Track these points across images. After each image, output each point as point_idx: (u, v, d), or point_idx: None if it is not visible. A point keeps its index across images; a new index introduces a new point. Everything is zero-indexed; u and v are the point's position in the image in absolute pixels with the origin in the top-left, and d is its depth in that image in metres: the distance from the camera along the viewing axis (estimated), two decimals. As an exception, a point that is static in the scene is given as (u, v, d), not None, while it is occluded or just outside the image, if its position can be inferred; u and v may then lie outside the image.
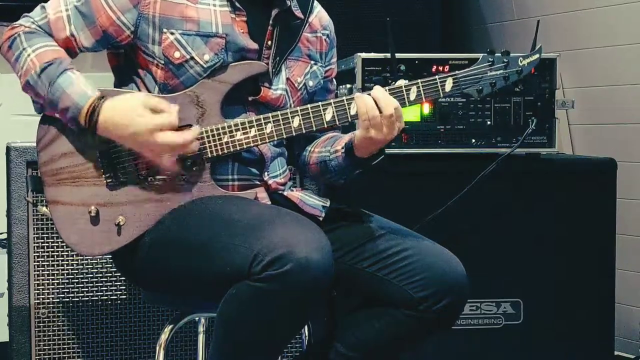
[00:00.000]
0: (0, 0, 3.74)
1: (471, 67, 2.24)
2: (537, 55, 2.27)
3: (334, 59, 2.50)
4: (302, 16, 2.37)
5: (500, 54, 2.24)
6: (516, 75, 2.25)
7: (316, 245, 1.99)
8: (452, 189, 2.92)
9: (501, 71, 2.24)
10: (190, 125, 2.23)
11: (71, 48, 2.27)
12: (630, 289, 3.60)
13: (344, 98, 2.22)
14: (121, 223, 2.22)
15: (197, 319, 2.54)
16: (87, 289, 2.84)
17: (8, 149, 2.79)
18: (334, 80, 2.52)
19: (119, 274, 2.76)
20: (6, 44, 2.26)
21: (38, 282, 2.80)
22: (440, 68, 3.02)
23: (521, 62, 2.25)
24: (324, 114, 2.22)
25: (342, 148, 2.30)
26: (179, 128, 2.22)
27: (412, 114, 3.02)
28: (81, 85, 2.19)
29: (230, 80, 2.25)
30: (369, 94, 2.17)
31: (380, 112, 2.15)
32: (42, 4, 2.28)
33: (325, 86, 2.47)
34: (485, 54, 2.24)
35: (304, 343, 2.48)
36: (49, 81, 2.19)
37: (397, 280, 2.21)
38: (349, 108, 2.22)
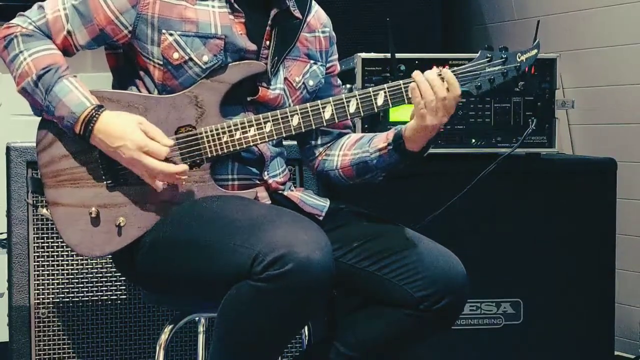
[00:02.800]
0: (1, 0, 3.74)
1: (469, 64, 2.24)
2: (535, 51, 2.27)
3: (335, 56, 2.49)
4: (300, 16, 2.37)
5: (498, 50, 2.23)
6: (515, 71, 2.25)
7: (317, 245, 1.99)
8: (452, 189, 2.91)
9: (499, 67, 2.24)
10: (190, 126, 2.23)
11: (68, 47, 2.27)
12: (630, 289, 3.60)
13: (343, 96, 2.23)
14: (121, 224, 2.22)
15: (197, 319, 2.54)
16: (87, 289, 2.84)
17: (8, 149, 2.79)
18: (337, 77, 2.51)
19: (119, 274, 2.75)
20: (1, 43, 2.25)
21: (38, 282, 2.80)
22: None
23: (519, 57, 2.25)
24: (323, 113, 2.22)
25: (389, 145, 2.28)
26: (179, 128, 2.23)
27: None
28: (78, 94, 2.19)
29: (229, 80, 2.25)
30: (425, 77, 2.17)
31: (435, 94, 2.16)
32: (39, 3, 2.28)
33: (329, 82, 2.47)
34: (483, 50, 2.24)
35: (304, 343, 2.49)
36: (45, 89, 2.19)
37: (397, 279, 2.21)
38: (348, 106, 2.22)
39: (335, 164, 2.41)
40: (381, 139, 2.32)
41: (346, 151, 2.40)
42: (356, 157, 2.37)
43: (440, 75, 2.18)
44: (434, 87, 2.16)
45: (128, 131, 2.17)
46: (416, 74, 2.18)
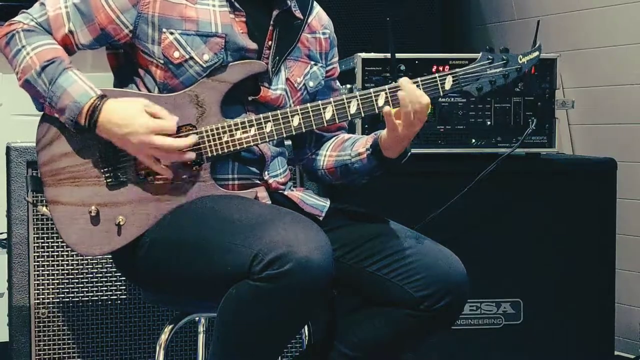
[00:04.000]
0: (1, 0, 3.74)
1: (470, 65, 2.24)
2: (536, 53, 2.27)
3: (335, 59, 2.50)
4: (302, 16, 2.37)
5: (499, 52, 2.24)
6: (516, 73, 2.25)
7: (316, 245, 1.99)
8: (452, 189, 2.92)
9: (501, 69, 2.24)
10: (190, 125, 2.23)
11: (69, 45, 2.27)
12: (630, 289, 3.60)
13: (344, 97, 2.22)
14: (121, 223, 2.22)
15: (197, 319, 2.54)
16: (87, 289, 2.83)
17: (8, 149, 2.79)
18: (336, 79, 2.51)
19: (119, 274, 2.75)
20: (3, 39, 2.26)
21: (38, 282, 2.80)
22: (441, 68, 3.02)
23: (521, 59, 2.25)
24: (324, 113, 2.22)
25: (367, 150, 2.29)
26: (179, 128, 2.23)
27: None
28: (82, 84, 2.19)
29: (230, 79, 2.25)
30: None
31: (409, 105, 2.16)
32: (41, 0, 2.28)
33: (328, 85, 2.47)
34: (485, 52, 2.24)
35: (304, 343, 2.48)
36: (49, 80, 2.19)
37: (398, 279, 2.21)
38: (349, 107, 2.22)
39: (322, 164, 2.43)
40: (362, 144, 2.33)
41: (332, 152, 2.42)
42: (339, 159, 2.38)
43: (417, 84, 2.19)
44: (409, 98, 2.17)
45: (135, 116, 2.16)
46: (403, 81, 2.18)
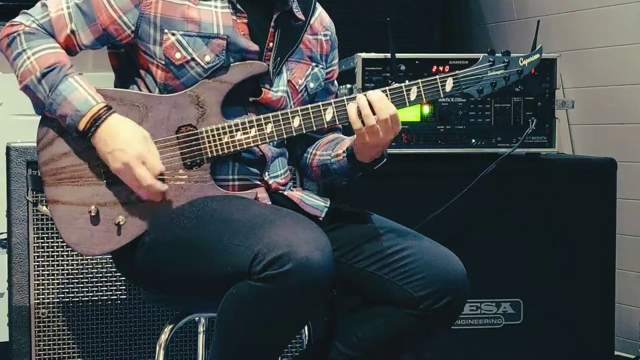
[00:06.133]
0: (1, 0, 3.74)
1: (472, 67, 2.24)
2: (537, 55, 2.28)
3: (335, 61, 2.50)
4: (303, 17, 2.37)
5: (500, 54, 2.24)
6: (517, 76, 2.26)
7: (317, 245, 1.99)
8: (452, 189, 2.92)
9: (501, 71, 2.25)
10: (190, 126, 2.23)
11: (71, 46, 2.27)
12: (630, 289, 3.60)
13: (345, 98, 2.22)
14: (121, 223, 2.22)
15: (197, 319, 2.54)
16: (87, 289, 2.83)
17: (8, 149, 2.79)
18: (335, 82, 2.52)
19: (119, 274, 2.75)
20: (5, 41, 2.25)
21: (38, 282, 2.80)
22: (441, 68, 3.02)
23: (522, 62, 2.26)
24: (324, 114, 2.22)
25: (344, 152, 2.30)
26: (180, 127, 2.22)
27: (412, 114, 3.03)
28: (83, 92, 2.19)
29: (231, 80, 2.25)
30: (365, 96, 2.17)
31: (375, 116, 2.16)
32: (42, 1, 2.27)
33: (326, 88, 2.47)
34: (486, 54, 2.25)
35: (304, 343, 2.49)
36: (50, 87, 2.19)
37: (397, 279, 2.21)
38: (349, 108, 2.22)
39: (308, 161, 2.44)
40: (342, 145, 2.34)
41: (316, 151, 2.43)
42: (322, 158, 2.39)
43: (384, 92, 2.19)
44: (375, 108, 2.16)
45: (135, 138, 2.17)
46: (360, 96, 2.18)
